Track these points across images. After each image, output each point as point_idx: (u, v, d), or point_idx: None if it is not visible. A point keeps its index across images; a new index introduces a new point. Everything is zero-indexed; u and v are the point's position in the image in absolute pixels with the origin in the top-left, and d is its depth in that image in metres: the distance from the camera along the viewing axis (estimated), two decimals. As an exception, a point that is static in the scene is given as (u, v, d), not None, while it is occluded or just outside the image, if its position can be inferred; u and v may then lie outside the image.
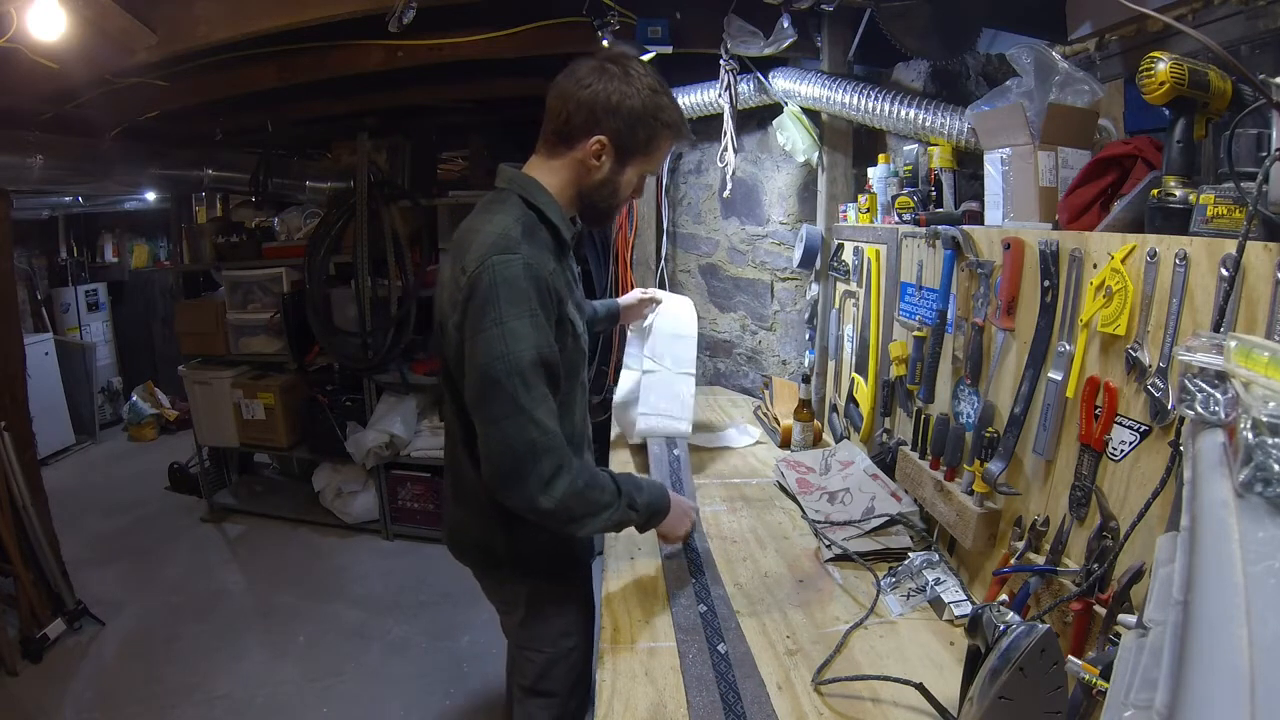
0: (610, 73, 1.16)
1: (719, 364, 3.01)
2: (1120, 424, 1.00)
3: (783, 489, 1.88)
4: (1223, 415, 0.65)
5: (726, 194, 2.49)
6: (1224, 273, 0.81)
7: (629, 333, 2.17)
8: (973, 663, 0.93)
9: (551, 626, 1.39)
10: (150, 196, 4.70)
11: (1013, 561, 1.18)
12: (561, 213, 1.23)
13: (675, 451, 1.93)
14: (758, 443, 2.26)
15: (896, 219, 1.75)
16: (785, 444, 2.20)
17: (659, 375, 1.97)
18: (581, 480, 1.16)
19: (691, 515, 1.47)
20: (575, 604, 1.44)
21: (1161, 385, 0.91)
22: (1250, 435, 0.60)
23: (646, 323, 2.01)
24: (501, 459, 1.12)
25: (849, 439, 2.03)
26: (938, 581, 1.35)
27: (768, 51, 2.09)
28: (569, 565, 1.42)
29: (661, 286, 2.82)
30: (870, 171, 1.99)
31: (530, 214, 1.19)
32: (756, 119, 2.54)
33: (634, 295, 1.98)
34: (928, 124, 1.69)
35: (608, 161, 1.20)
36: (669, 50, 2.26)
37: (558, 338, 1.16)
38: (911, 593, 1.36)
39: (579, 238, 1.33)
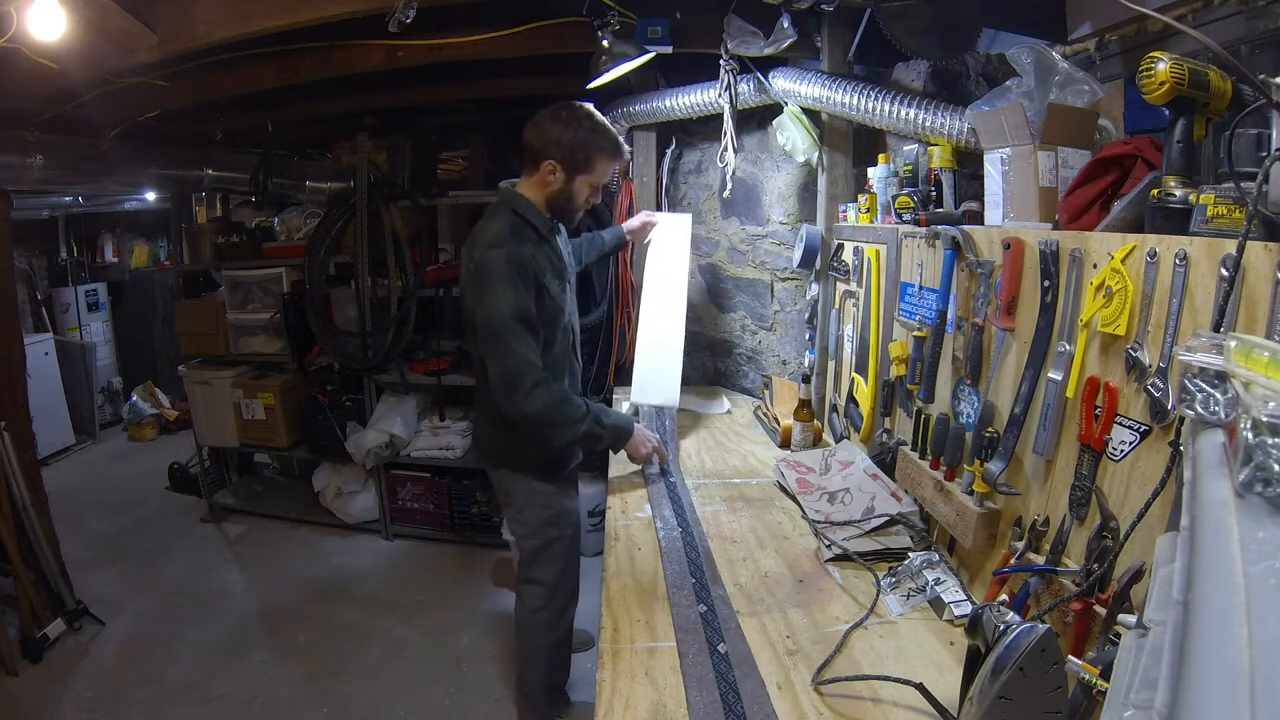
0: (559, 117, 1.70)
1: (719, 364, 3.01)
2: (1120, 424, 1.00)
3: (783, 489, 1.88)
4: (1223, 415, 0.65)
5: (726, 194, 2.49)
6: (1224, 273, 0.81)
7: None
8: (973, 663, 0.93)
9: (537, 516, 1.88)
10: (150, 196, 4.69)
11: (1013, 561, 1.18)
12: (539, 213, 1.76)
13: (666, 421, 2.34)
14: (728, 411, 2.60)
15: (896, 219, 1.75)
16: (785, 444, 2.20)
17: (655, 285, 2.42)
18: (557, 397, 1.68)
19: (652, 443, 1.94)
20: (560, 505, 1.91)
21: (1161, 385, 0.91)
22: (1250, 435, 0.60)
23: (647, 239, 2.43)
24: (500, 380, 1.65)
25: (849, 439, 2.03)
26: (938, 581, 1.35)
27: (768, 51, 2.08)
28: (553, 469, 1.89)
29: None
30: (870, 171, 1.99)
31: (516, 218, 1.72)
32: (756, 119, 2.54)
33: (636, 220, 2.44)
34: (928, 124, 1.69)
35: (560, 176, 1.72)
36: (669, 50, 2.26)
37: (536, 298, 1.67)
38: (911, 593, 1.36)
39: (574, 230, 1.96)
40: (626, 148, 1.89)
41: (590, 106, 1.76)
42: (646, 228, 2.42)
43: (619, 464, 2.12)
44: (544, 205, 1.76)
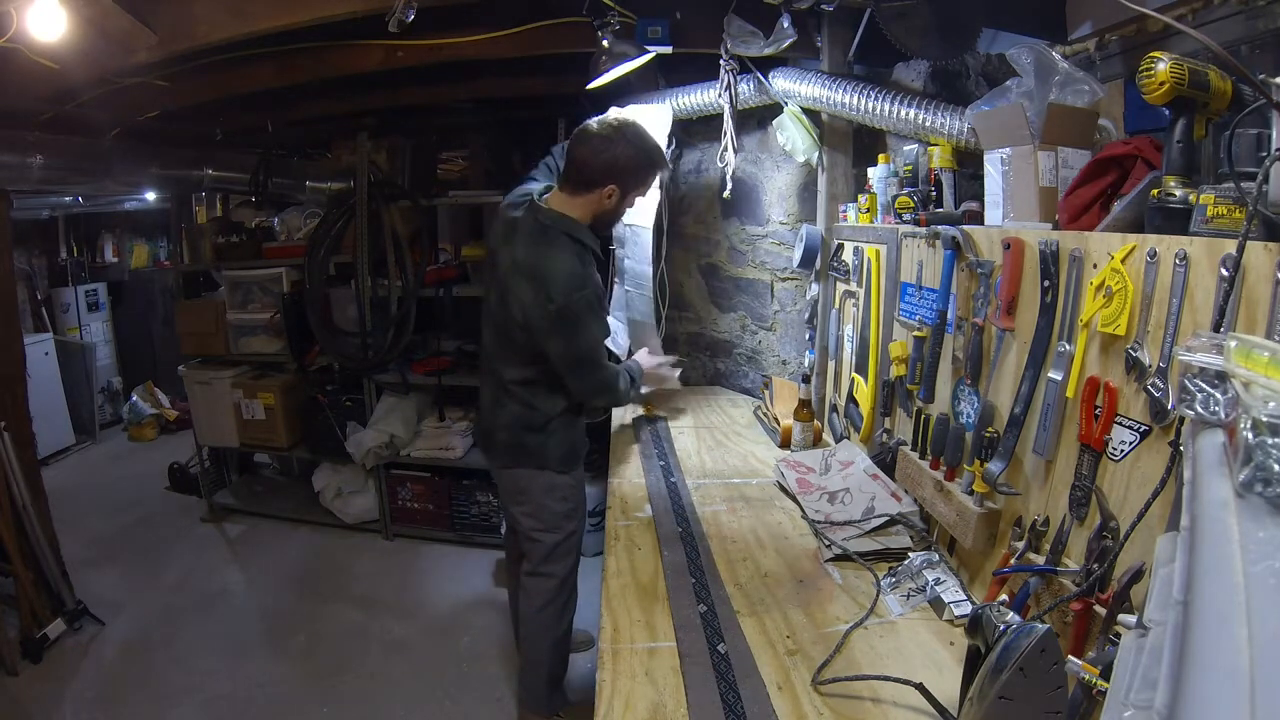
0: (612, 140, 1.75)
1: (719, 364, 3.01)
2: (1120, 424, 1.00)
3: (783, 489, 1.88)
4: (1223, 415, 0.65)
5: (726, 194, 2.49)
6: (1224, 273, 0.81)
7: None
8: (973, 663, 0.93)
9: (558, 510, 1.94)
10: (150, 196, 4.68)
11: (1013, 561, 1.18)
12: (591, 235, 1.82)
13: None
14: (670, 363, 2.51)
15: (896, 219, 1.75)
16: (785, 444, 2.20)
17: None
18: (623, 383, 1.94)
19: (648, 364, 2.23)
20: (576, 497, 1.98)
21: (1161, 385, 0.91)
22: (1250, 435, 0.60)
23: None
24: (597, 393, 1.91)
25: (849, 439, 2.03)
26: (938, 581, 1.35)
27: (768, 51, 2.08)
28: (572, 461, 1.97)
29: (660, 287, 2.84)
30: (870, 171, 1.99)
31: (578, 245, 1.77)
32: (756, 119, 2.54)
33: None
34: (928, 124, 1.69)
35: (616, 198, 1.80)
36: (669, 50, 2.26)
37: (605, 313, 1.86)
38: (911, 593, 1.36)
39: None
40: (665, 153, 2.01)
41: (633, 119, 1.84)
42: None
43: (619, 464, 2.12)
44: (591, 221, 1.82)
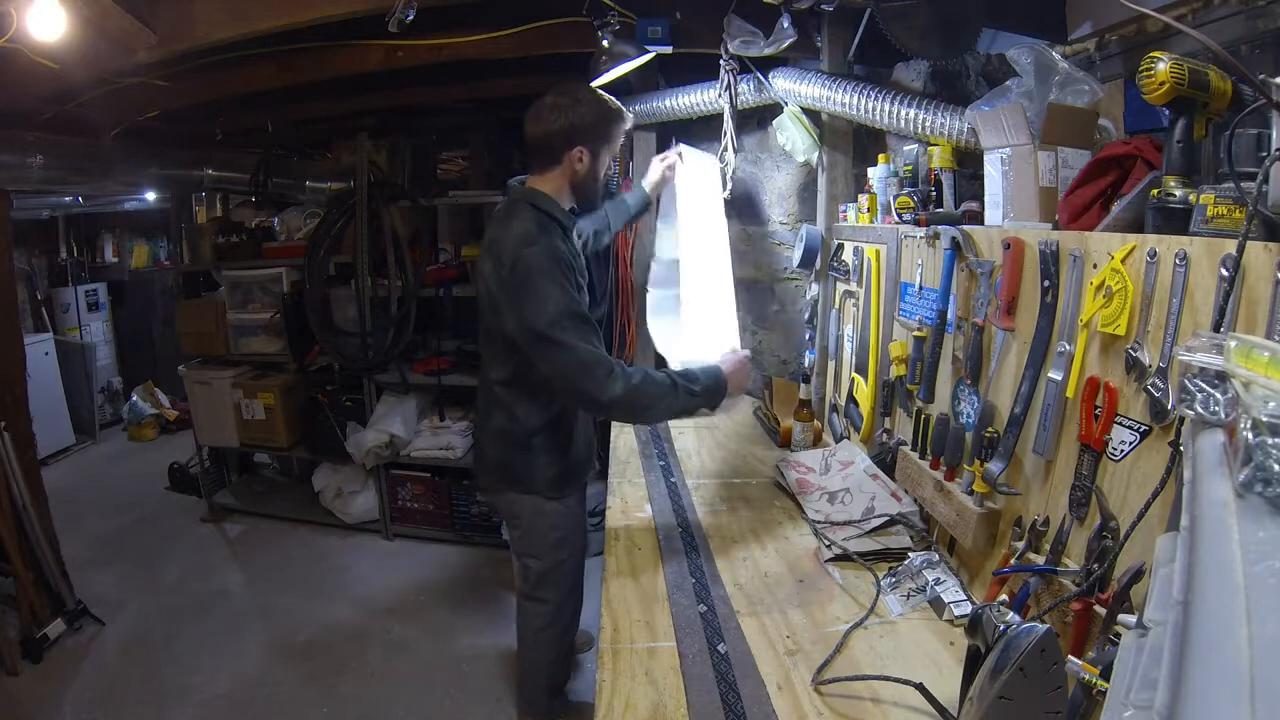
0: (562, 105, 1.64)
1: (719, 364, 3.00)
2: (1120, 424, 1.00)
3: (783, 489, 1.88)
4: (1223, 415, 0.65)
5: (726, 194, 2.49)
6: (1224, 273, 0.81)
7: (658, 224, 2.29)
8: (973, 663, 0.93)
9: (546, 539, 1.80)
10: (150, 196, 4.69)
11: (1013, 561, 1.18)
12: (560, 208, 1.67)
13: None
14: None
15: (896, 219, 1.75)
16: (785, 444, 2.20)
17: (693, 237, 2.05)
18: (636, 377, 1.51)
19: (743, 364, 1.73)
20: (569, 525, 1.83)
21: (1161, 385, 0.91)
22: (1250, 435, 0.60)
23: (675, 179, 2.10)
24: (567, 383, 1.53)
25: (849, 439, 2.03)
26: (938, 581, 1.35)
27: (768, 51, 2.09)
28: (565, 484, 1.79)
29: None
30: (870, 171, 1.99)
31: (540, 214, 1.62)
32: (756, 119, 2.54)
33: (655, 171, 2.15)
34: (928, 124, 1.69)
35: (587, 159, 1.66)
36: (669, 50, 2.26)
37: (575, 289, 1.56)
38: (911, 593, 1.36)
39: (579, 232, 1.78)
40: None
41: (577, 81, 1.74)
42: (666, 178, 2.15)
43: (619, 465, 2.12)
44: (566, 195, 1.69)
